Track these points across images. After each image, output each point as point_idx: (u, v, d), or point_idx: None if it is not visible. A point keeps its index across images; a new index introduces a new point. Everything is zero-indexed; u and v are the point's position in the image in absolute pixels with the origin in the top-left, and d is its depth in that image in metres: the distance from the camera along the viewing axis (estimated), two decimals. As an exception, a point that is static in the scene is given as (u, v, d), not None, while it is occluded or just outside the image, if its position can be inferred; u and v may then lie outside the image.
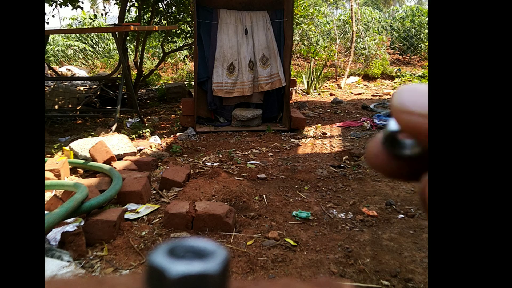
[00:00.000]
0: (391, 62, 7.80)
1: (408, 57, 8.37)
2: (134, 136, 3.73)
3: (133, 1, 5.20)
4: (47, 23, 5.79)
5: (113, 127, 3.80)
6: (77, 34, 9.23)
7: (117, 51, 7.40)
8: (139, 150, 3.31)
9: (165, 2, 5.52)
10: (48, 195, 2.29)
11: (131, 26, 3.93)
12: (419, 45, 8.24)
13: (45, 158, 2.86)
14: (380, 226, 1.98)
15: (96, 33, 9.22)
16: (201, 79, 3.98)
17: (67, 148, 3.08)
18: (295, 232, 1.92)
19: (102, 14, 8.31)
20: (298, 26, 7.24)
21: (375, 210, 2.14)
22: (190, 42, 5.85)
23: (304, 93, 5.97)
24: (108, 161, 2.76)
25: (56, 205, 1.98)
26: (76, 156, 2.96)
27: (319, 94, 5.97)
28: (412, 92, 0.14)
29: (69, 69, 7.00)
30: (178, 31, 5.74)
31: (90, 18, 8.52)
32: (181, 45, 6.45)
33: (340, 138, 3.67)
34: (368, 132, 3.82)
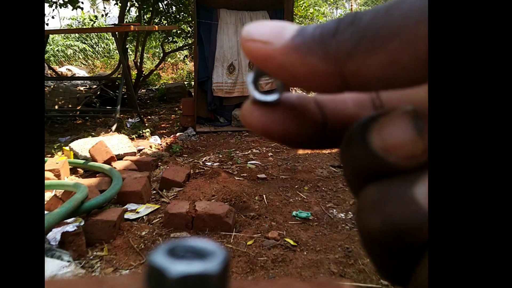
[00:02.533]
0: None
1: (408, 57, 8.36)
2: (134, 136, 3.73)
3: (133, 1, 5.20)
4: (47, 24, 5.79)
5: (113, 127, 3.80)
6: (77, 34, 9.24)
7: (117, 51, 7.40)
8: (139, 150, 3.31)
9: (165, 2, 5.53)
10: (48, 195, 2.29)
11: (131, 26, 3.93)
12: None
13: (45, 158, 2.86)
14: (380, 226, 1.99)
15: (96, 33, 9.22)
16: (201, 79, 3.99)
17: (67, 148, 3.08)
18: (295, 232, 1.92)
19: (102, 15, 8.32)
20: (298, 26, 7.24)
21: (375, 210, 2.14)
22: (190, 42, 5.86)
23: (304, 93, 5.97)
24: (108, 161, 2.76)
25: (56, 205, 1.98)
26: (76, 156, 2.96)
27: (319, 94, 5.98)
28: (258, 25, 0.15)
29: (69, 69, 7.01)
30: (178, 31, 5.75)
31: (91, 19, 8.53)
32: (181, 45, 6.46)
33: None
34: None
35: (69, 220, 1.92)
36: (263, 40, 0.14)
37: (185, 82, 6.48)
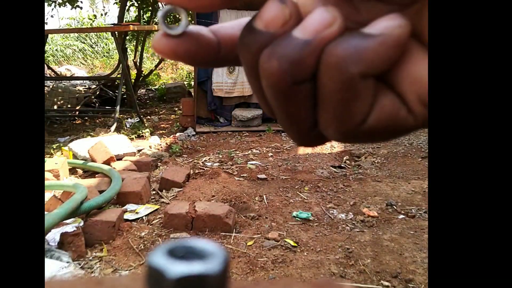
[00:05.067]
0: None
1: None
2: (133, 136, 3.73)
3: (132, 1, 5.20)
4: (46, 23, 5.78)
5: (113, 127, 3.80)
6: (76, 34, 9.23)
7: (116, 51, 7.40)
8: (139, 151, 3.30)
9: (164, 2, 5.52)
10: (47, 195, 2.29)
11: (131, 25, 3.93)
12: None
13: (44, 158, 2.85)
14: (380, 226, 1.98)
15: (95, 33, 9.22)
16: (201, 79, 3.98)
17: (66, 148, 3.08)
18: (295, 232, 1.92)
19: (101, 14, 8.32)
20: (298, 26, 7.25)
21: (375, 211, 2.14)
22: (189, 42, 5.85)
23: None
24: (107, 162, 2.76)
25: (55, 206, 1.98)
26: (75, 156, 2.96)
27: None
28: None
29: (68, 69, 7.00)
30: (177, 31, 5.74)
31: (90, 19, 8.54)
32: (180, 45, 6.45)
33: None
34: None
35: (68, 221, 1.92)
36: None
37: (185, 82, 6.47)
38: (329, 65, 0.16)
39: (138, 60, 5.47)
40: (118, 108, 3.91)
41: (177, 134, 3.78)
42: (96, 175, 2.64)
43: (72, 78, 5.59)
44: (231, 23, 0.21)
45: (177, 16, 0.19)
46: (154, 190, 2.44)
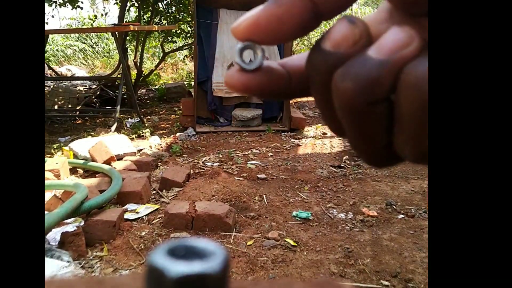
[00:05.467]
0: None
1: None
2: (134, 136, 3.73)
3: (133, 1, 5.20)
4: (47, 23, 5.79)
5: (113, 127, 3.80)
6: (77, 34, 9.23)
7: (116, 51, 7.39)
8: (139, 150, 3.30)
9: (165, 2, 5.52)
10: (48, 195, 2.29)
11: (131, 26, 3.93)
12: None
13: (45, 158, 2.85)
14: (380, 226, 1.99)
15: (96, 33, 9.21)
16: (201, 79, 3.98)
17: (66, 148, 3.08)
18: (295, 232, 1.92)
19: (102, 14, 8.32)
20: (298, 26, 7.24)
21: (375, 210, 2.14)
22: (190, 42, 5.85)
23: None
24: (107, 161, 2.76)
25: (55, 205, 1.98)
26: (75, 156, 2.96)
27: (319, 94, 5.97)
28: (242, 17, 0.19)
29: (68, 69, 7.00)
30: (178, 31, 5.74)
31: (90, 19, 8.55)
32: (181, 45, 6.45)
33: (340, 138, 3.67)
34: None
35: (69, 220, 1.92)
36: (247, 17, 0.18)
37: (185, 82, 6.47)
38: (407, 86, 0.16)
39: (139, 60, 5.47)
40: (118, 108, 3.91)
41: (177, 134, 3.77)
42: (97, 175, 2.64)
43: (72, 78, 5.59)
44: (299, 56, 0.21)
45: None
46: (154, 189, 2.44)
